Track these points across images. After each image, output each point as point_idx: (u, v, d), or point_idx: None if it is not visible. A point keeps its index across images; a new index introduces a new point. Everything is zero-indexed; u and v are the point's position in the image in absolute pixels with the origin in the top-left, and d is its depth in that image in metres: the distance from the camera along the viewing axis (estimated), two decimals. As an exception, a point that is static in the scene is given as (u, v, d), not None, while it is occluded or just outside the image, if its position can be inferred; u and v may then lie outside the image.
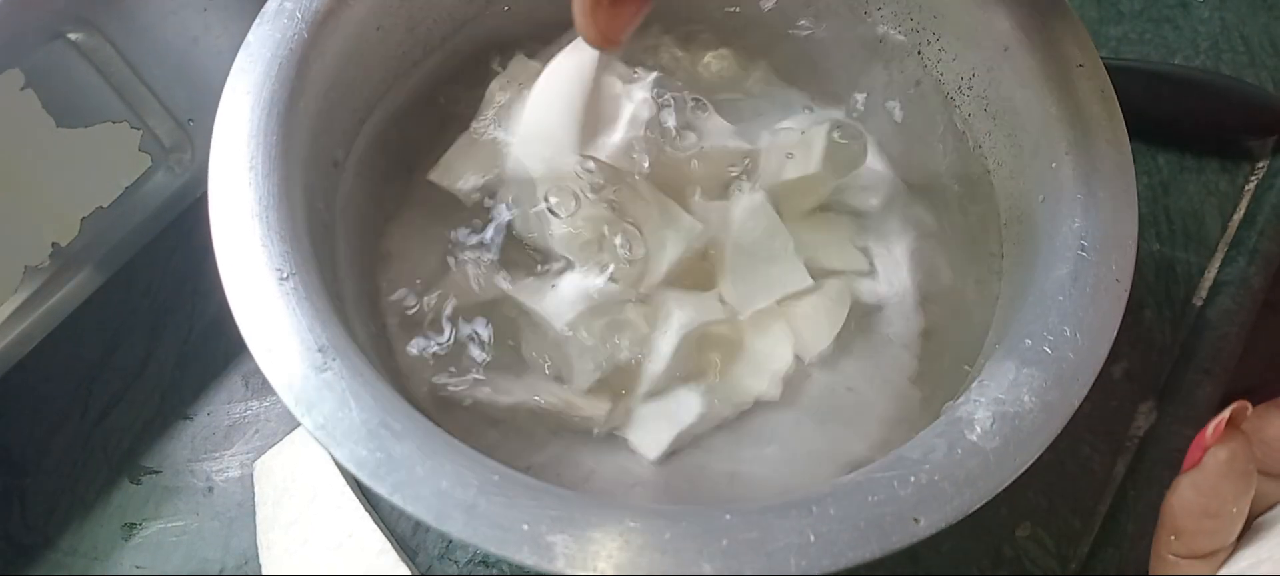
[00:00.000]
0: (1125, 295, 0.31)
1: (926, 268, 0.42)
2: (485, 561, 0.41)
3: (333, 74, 0.36)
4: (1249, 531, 0.30)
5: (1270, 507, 0.30)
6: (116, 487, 0.43)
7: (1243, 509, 0.29)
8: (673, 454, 0.37)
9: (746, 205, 0.40)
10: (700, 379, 0.38)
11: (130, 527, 0.42)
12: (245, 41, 0.34)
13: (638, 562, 0.25)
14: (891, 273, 0.42)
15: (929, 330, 0.40)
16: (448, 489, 0.26)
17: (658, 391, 0.38)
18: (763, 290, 0.39)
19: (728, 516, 0.26)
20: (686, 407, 0.37)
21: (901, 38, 0.42)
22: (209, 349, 0.46)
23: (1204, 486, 0.29)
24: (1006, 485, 0.27)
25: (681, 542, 0.26)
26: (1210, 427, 0.29)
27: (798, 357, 0.40)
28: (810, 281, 0.39)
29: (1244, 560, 0.29)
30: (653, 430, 0.37)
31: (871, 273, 0.42)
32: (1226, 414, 0.29)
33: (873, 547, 0.26)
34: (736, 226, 0.40)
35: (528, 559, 0.25)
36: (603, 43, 0.29)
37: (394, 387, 0.29)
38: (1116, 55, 0.54)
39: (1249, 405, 0.30)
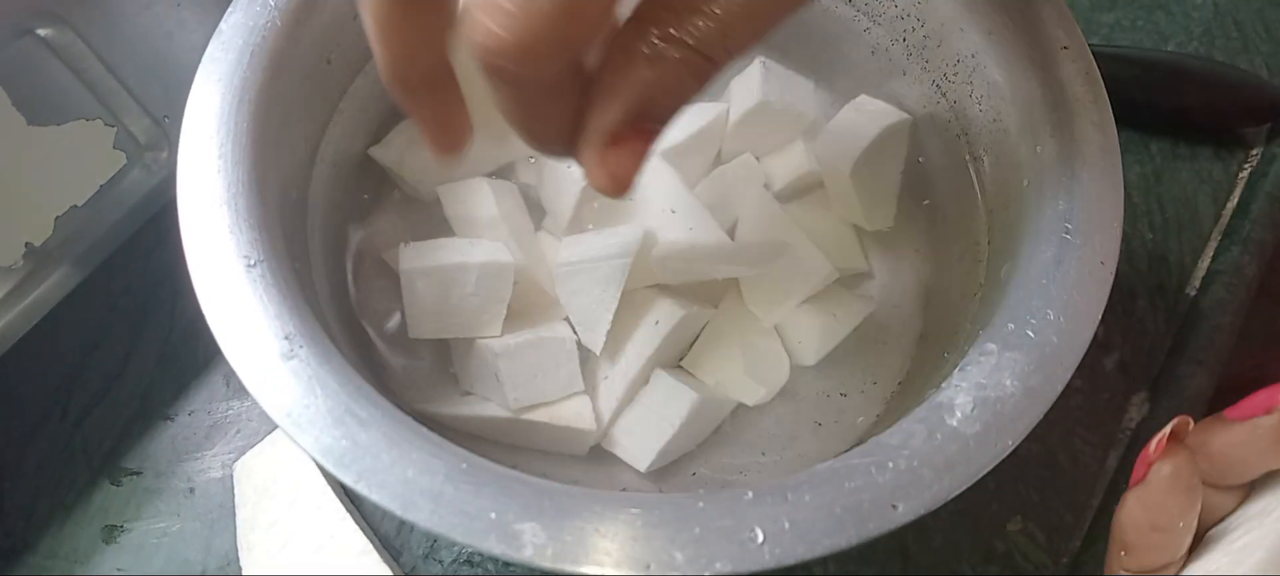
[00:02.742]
0: (1110, 278, 0.30)
1: (920, 265, 0.41)
2: (470, 561, 0.41)
3: (307, 62, 0.35)
4: (1199, 544, 0.30)
5: (1220, 519, 0.31)
6: (97, 489, 0.43)
7: (1190, 522, 0.29)
8: (662, 463, 0.37)
9: (752, 204, 0.40)
10: (689, 382, 0.38)
11: (111, 530, 0.42)
12: (217, 29, 0.33)
13: (609, 550, 0.25)
14: (890, 273, 0.41)
15: (922, 331, 0.40)
16: (414, 477, 0.25)
17: (639, 389, 0.37)
18: (785, 293, 0.39)
19: (700, 504, 0.25)
20: (674, 412, 0.36)
21: (886, 26, 0.41)
22: (190, 348, 0.45)
23: (1150, 501, 0.29)
24: (987, 470, 0.27)
25: (653, 530, 0.25)
26: (1153, 443, 0.30)
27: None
28: (832, 270, 0.39)
29: (1195, 572, 0.29)
30: (640, 439, 0.36)
31: (870, 274, 0.41)
32: (1167, 429, 0.30)
33: (849, 534, 0.25)
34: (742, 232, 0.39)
35: (495, 547, 0.25)
36: (615, 191, 0.25)
37: (365, 375, 0.28)
38: (1109, 42, 0.54)
39: (1191, 420, 0.30)
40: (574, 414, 0.37)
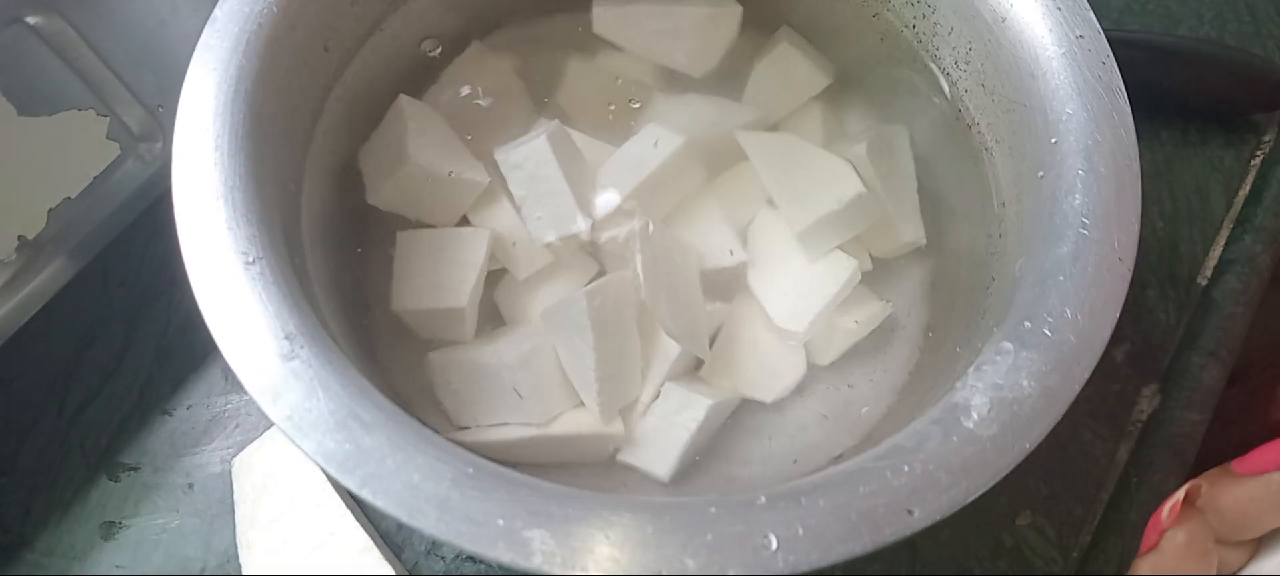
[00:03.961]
0: (1128, 274, 0.30)
1: (926, 255, 0.40)
2: (472, 557, 0.40)
3: (304, 49, 0.34)
4: None
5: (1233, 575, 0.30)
6: (95, 485, 0.42)
7: None
8: (682, 469, 0.36)
9: (758, 226, 0.40)
10: (701, 385, 0.37)
11: (109, 526, 0.41)
12: (211, 16, 0.32)
13: (618, 558, 0.24)
14: (894, 264, 0.41)
15: (930, 322, 0.39)
16: (420, 482, 0.25)
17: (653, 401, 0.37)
18: (816, 301, 0.38)
19: (712, 509, 0.25)
20: (689, 418, 0.35)
21: (895, 11, 0.41)
22: (188, 341, 0.45)
23: (1165, 569, 0.29)
24: (1005, 474, 0.26)
25: (664, 537, 0.24)
26: (1166, 508, 0.29)
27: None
28: (857, 267, 0.38)
29: None
30: (659, 449, 0.36)
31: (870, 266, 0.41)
32: (1181, 494, 0.29)
33: (864, 541, 0.25)
34: (755, 250, 0.39)
35: (504, 555, 0.24)
36: None
37: (368, 376, 0.28)
38: (1119, 26, 0.53)
39: (1203, 483, 0.29)
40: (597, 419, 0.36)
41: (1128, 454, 0.42)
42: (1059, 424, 0.27)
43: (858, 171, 0.39)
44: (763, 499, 0.25)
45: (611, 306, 0.35)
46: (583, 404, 0.36)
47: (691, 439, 0.35)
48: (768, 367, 0.37)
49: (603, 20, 0.43)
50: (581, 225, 0.37)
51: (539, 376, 0.36)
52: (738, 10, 0.43)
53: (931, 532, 0.40)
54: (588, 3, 0.43)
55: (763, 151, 0.40)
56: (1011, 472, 0.26)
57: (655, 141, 0.39)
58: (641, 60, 0.43)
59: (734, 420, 0.38)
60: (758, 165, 0.40)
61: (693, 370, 0.38)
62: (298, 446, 0.25)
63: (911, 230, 0.40)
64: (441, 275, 0.37)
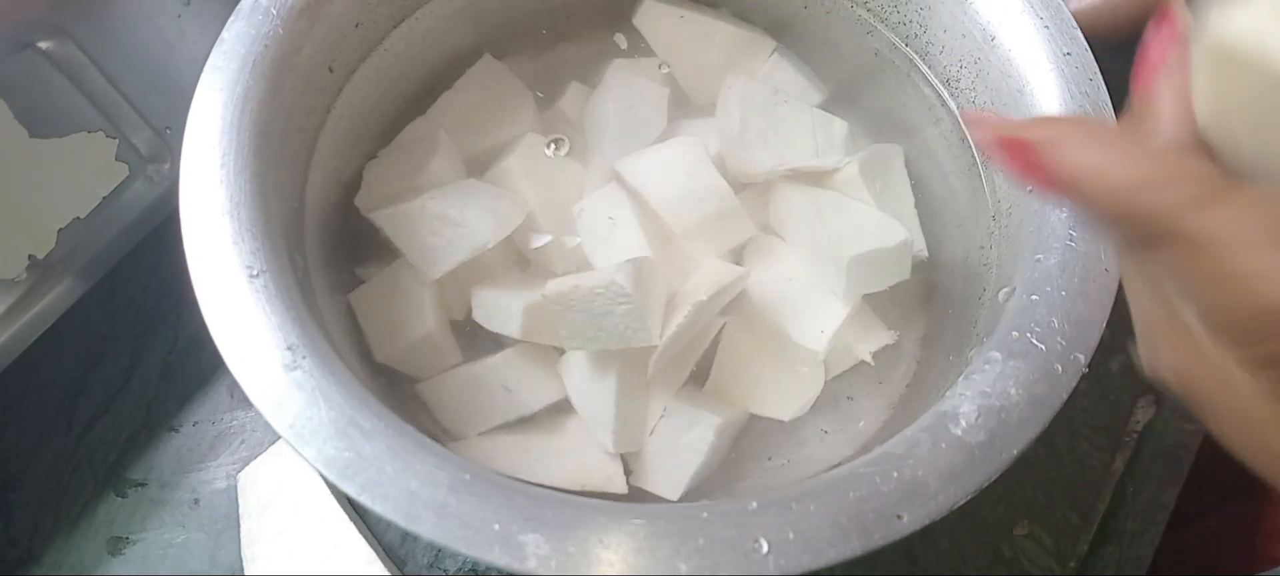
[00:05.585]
0: (1115, 285, 0.30)
1: (923, 267, 0.41)
2: (475, 570, 0.41)
3: (309, 70, 0.35)
4: None
5: None
6: (102, 501, 0.43)
7: None
8: (692, 488, 0.36)
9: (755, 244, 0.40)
10: (708, 404, 0.38)
11: (117, 541, 0.42)
12: (220, 38, 0.33)
13: (612, 562, 0.25)
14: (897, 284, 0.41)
15: (926, 335, 0.40)
16: (417, 488, 0.25)
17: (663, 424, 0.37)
18: (815, 334, 0.38)
19: (705, 514, 0.25)
20: (698, 439, 0.36)
21: (889, 30, 0.41)
22: (194, 359, 0.45)
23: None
24: (992, 480, 0.27)
25: (658, 541, 0.25)
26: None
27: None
28: (847, 310, 0.38)
29: None
30: (668, 471, 0.36)
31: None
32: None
33: (854, 544, 0.25)
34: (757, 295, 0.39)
35: (499, 559, 0.24)
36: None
37: (369, 386, 0.28)
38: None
39: None
40: (603, 478, 0.36)
41: (1124, 464, 0.43)
42: (1055, 435, 0.28)
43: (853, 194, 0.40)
44: (754, 504, 0.26)
45: (635, 354, 0.36)
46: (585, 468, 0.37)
47: (703, 462, 0.35)
48: (780, 385, 0.38)
49: (646, 16, 0.44)
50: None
51: (524, 370, 0.36)
52: (771, 43, 0.44)
53: (929, 540, 0.41)
54: (590, 30, 0.44)
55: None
56: (1009, 483, 0.27)
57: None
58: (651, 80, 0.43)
59: (739, 438, 0.38)
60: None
61: (697, 388, 0.39)
62: (299, 454, 0.26)
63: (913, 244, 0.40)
64: (400, 313, 0.37)
